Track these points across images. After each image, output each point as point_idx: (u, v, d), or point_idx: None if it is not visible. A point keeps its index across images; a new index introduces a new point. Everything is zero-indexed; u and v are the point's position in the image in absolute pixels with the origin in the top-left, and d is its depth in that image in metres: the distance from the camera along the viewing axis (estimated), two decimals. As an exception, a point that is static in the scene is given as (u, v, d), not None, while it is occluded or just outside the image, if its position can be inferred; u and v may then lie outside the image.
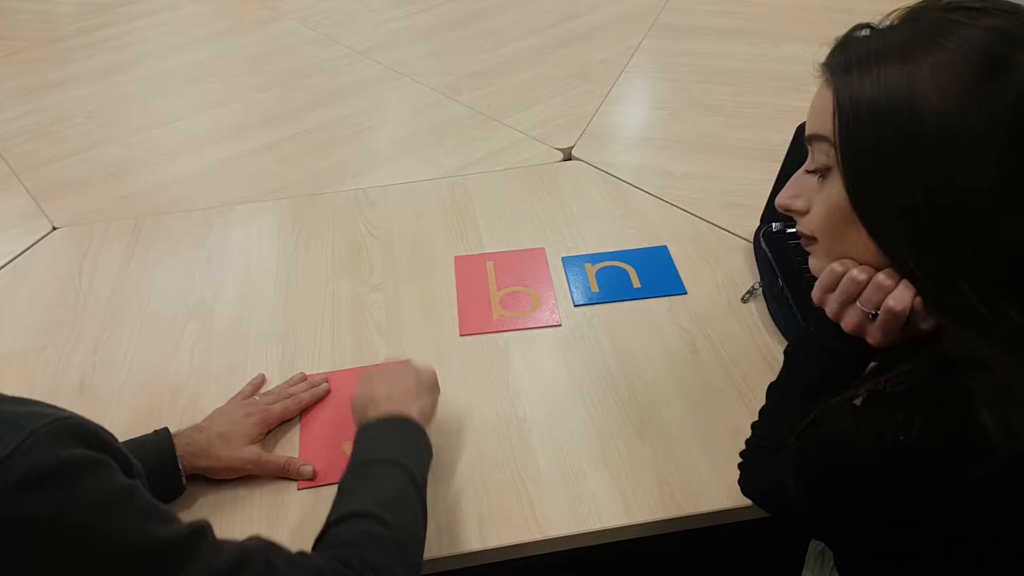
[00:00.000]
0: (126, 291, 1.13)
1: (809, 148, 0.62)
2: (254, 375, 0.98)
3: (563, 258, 1.15)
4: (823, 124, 0.59)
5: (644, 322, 1.04)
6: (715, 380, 0.95)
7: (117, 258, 1.20)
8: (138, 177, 1.40)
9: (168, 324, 1.07)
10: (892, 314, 0.59)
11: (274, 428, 0.90)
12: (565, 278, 1.11)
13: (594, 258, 1.14)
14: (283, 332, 1.05)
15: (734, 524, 0.83)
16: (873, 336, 0.62)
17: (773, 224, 1.11)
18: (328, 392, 0.95)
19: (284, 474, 0.86)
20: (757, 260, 1.10)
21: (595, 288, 1.09)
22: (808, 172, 0.63)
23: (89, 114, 1.61)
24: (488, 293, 1.09)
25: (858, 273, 0.61)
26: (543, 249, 1.17)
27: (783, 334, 0.99)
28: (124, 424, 0.93)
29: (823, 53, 0.61)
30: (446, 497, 0.83)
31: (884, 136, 0.55)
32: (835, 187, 0.60)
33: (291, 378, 0.97)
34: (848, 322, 0.63)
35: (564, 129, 1.46)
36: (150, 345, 1.04)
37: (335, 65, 1.75)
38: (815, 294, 0.66)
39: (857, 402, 0.60)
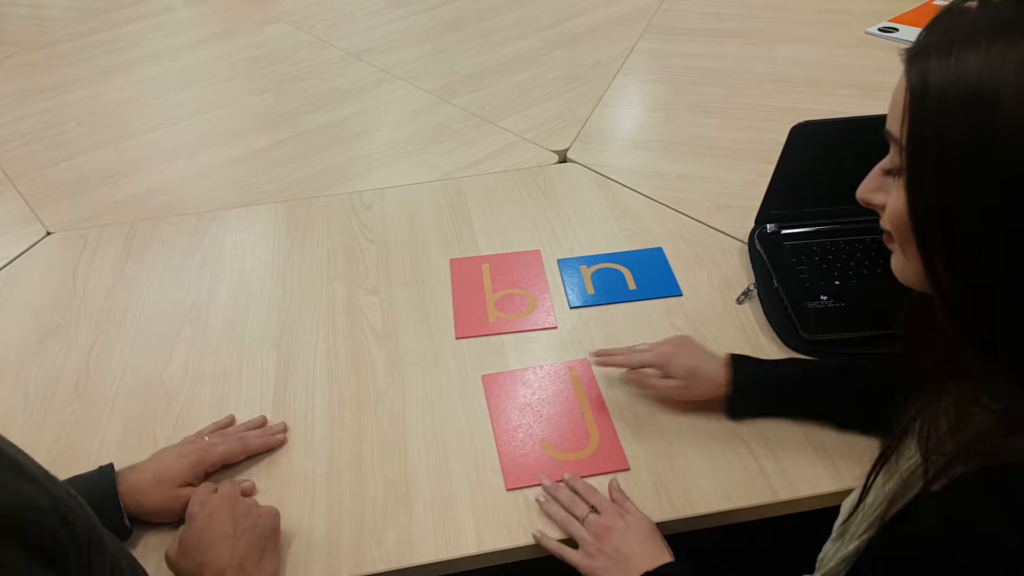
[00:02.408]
0: (121, 296, 1.13)
1: None
2: (249, 380, 0.98)
3: (559, 260, 1.15)
4: (893, 120, 0.52)
5: (640, 324, 1.04)
6: (711, 382, 0.95)
7: (112, 263, 1.20)
8: (132, 181, 1.40)
9: (163, 328, 1.07)
10: None
11: (213, 471, 0.85)
12: (561, 280, 1.11)
13: (589, 260, 1.14)
14: (278, 336, 1.05)
15: (734, 526, 0.83)
16: None
17: (768, 225, 1.11)
18: (284, 443, 0.90)
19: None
20: (752, 261, 1.10)
21: (591, 290, 1.09)
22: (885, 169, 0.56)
23: (83, 119, 1.61)
24: (484, 296, 1.09)
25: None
26: (539, 251, 1.17)
27: (778, 335, 0.99)
28: (119, 429, 0.93)
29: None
30: (442, 501, 0.83)
31: (950, 137, 0.47)
32: (902, 189, 0.52)
33: (251, 420, 0.92)
34: None
35: (559, 131, 1.46)
36: (145, 350, 1.04)
37: (330, 68, 1.75)
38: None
39: (937, 487, 0.53)
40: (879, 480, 0.64)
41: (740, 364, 0.87)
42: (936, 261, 0.50)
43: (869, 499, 0.65)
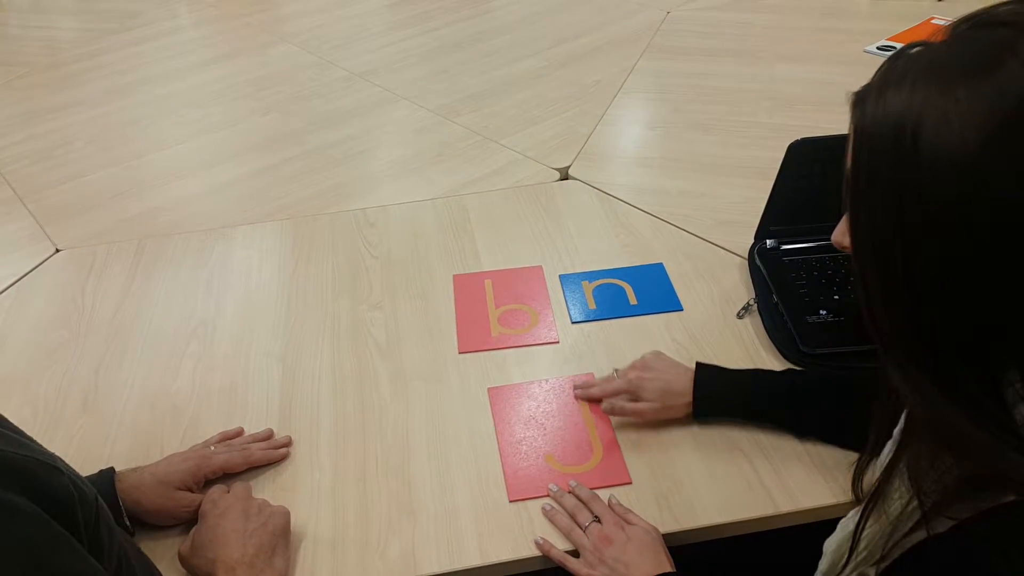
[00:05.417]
0: (128, 312, 1.15)
1: None
2: (255, 395, 0.99)
3: (560, 276, 1.16)
4: (847, 161, 0.52)
5: (641, 339, 1.05)
6: (712, 395, 0.96)
7: (119, 279, 1.21)
8: (140, 200, 1.42)
9: (170, 344, 1.08)
10: None
11: (213, 478, 0.86)
12: (562, 296, 1.12)
13: (591, 276, 1.16)
14: (283, 351, 1.06)
15: (738, 539, 0.84)
16: None
17: (767, 241, 1.13)
18: (286, 456, 0.91)
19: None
20: (752, 276, 1.11)
21: (592, 305, 1.10)
22: None
23: (91, 138, 1.63)
24: (486, 311, 1.10)
25: None
26: (541, 267, 1.18)
27: (778, 349, 1.00)
28: (127, 443, 0.94)
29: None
30: (445, 513, 0.84)
31: (878, 175, 0.48)
32: None
33: (258, 433, 0.93)
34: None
35: (561, 149, 1.47)
36: (152, 365, 1.05)
37: (334, 88, 1.78)
38: None
39: (940, 529, 0.53)
40: (868, 520, 0.64)
41: (703, 371, 0.89)
42: (875, 300, 0.50)
43: (859, 542, 0.65)
